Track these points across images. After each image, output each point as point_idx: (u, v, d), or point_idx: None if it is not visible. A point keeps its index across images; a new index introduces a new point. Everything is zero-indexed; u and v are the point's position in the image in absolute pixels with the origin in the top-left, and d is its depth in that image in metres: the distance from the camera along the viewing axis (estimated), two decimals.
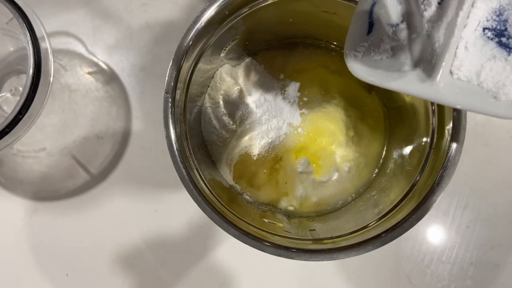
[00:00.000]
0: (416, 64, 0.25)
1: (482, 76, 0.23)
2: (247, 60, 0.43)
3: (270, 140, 0.40)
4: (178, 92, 0.33)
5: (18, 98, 0.34)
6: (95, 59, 0.46)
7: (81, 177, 0.44)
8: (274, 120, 0.40)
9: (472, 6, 0.23)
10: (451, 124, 0.31)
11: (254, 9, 0.35)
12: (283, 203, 0.41)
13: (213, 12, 0.33)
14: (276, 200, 0.41)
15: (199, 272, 0.43)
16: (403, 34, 0.25)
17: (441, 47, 0.23)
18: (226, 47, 0.39)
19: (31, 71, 0.34)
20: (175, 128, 0.32)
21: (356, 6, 0.27)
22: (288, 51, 0.43)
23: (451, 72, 0.23)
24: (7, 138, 0.34)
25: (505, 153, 0.44)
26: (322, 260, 0.30)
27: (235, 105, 0.40)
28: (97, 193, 0.44)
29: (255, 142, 0.40)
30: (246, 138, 0.40)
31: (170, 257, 0.43)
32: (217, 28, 0.35)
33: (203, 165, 0.37)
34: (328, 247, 0.30)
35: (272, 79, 0.42)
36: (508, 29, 0.23)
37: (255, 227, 0.33)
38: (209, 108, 0.41)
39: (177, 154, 0.31)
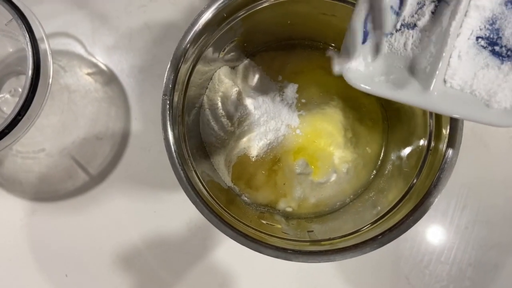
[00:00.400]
0: (410, 73, 0.25)
1: (475, 85, 0.23)
2: (246, 61, 0.43)
3: (268, 142, 0.40)
4: (176, 94, 0.33)
5: (17, 99, 0.34)
6: (94, 60, 0.46)
7: (81, 178, 0.44)
8: (272, 122, 0.40)
9: (465, 15, 0.23)
10: (448, 127, 0.31)
11: (252, 11, 0.35)
12: (282, 204, 0.41)
13: (211, 14, 0.32)
14: (274, 202, 0.41)
15: (198, 273, 0.43)
16: (398, 43, 0.25)
17: (434, 56, 0.23)
18: (225, 48, 0.39)
19: (30, 72, 0.34)
20: (173, 130, 0.32)
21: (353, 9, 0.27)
22: (286, 52, 0.43)
23: (444, 81, 0.24)
24: (6, 139, 0.34)
25: (504, 154, 0.44)
26: (319, 262, 0.30)
27: (234, 107, 0.40)
28: (96, 194, 0.44)
29: (253, 143, 0.40)
30: (245, 139, 0.40)
31: (169, 258, 0.43)
32: (215, 30, 0.35)
33: (201, 167, 0.37)
34: (325, 249, 0.30)
35: (270, 80, 0.42)
36: (502, 37, 0.23)
37: (253, 228, 0.33)
38: (207, 109, 0.41)
39: (175, 156, 0.31)
